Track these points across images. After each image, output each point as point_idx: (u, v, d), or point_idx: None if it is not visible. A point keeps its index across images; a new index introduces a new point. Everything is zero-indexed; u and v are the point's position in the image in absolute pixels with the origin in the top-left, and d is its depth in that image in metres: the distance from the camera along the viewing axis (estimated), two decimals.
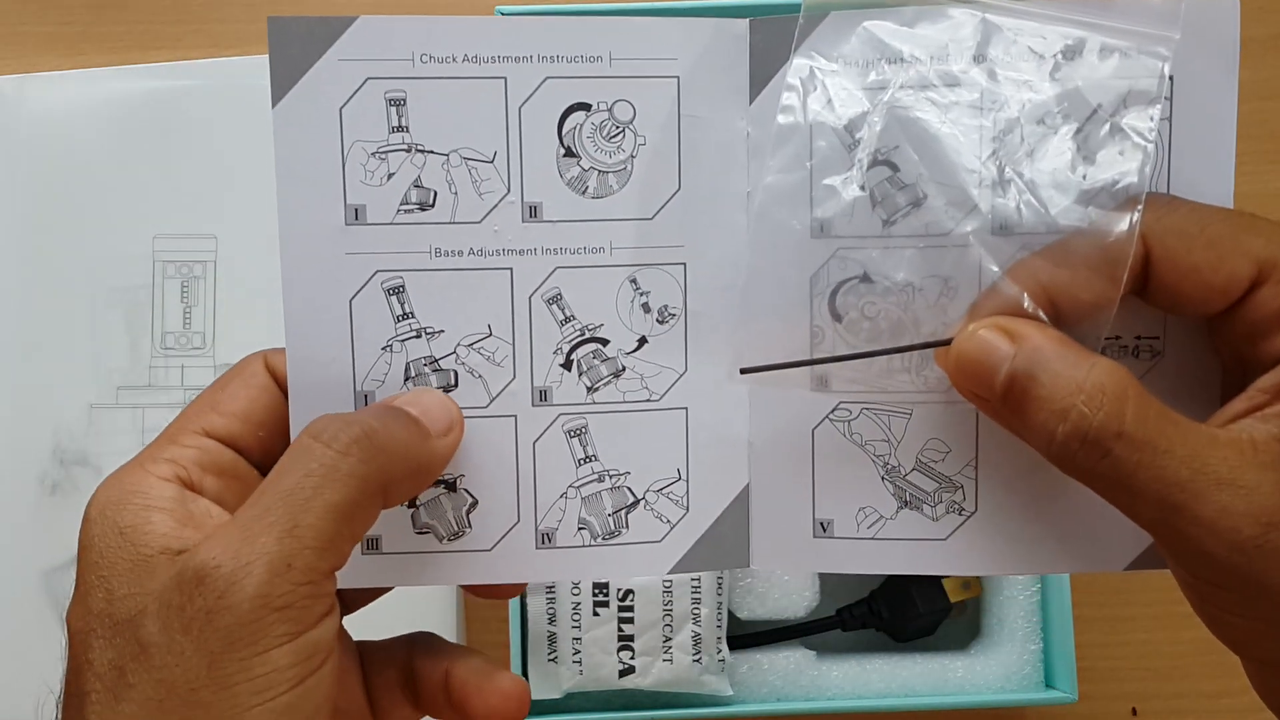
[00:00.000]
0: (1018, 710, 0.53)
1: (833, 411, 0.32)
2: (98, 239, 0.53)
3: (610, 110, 0.31)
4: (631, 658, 0.50)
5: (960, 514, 0.32)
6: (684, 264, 0.32)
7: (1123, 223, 0.28)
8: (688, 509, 0.33)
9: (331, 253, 0.31)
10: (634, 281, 0.32)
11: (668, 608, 0.50)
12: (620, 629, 0.50)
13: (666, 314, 0.32)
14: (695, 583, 0.50)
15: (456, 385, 0.32)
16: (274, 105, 0.30)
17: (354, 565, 0.30)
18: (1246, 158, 0.55)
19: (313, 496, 0.26)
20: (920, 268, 0.30)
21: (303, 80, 0.30)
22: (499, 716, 0.32)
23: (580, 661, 0.50)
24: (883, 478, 0.32)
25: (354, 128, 0.31)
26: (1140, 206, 0.28)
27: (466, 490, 0.32)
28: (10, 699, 0.51)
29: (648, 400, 0.32)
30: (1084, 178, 0.29)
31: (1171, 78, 0.30)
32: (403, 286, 0.31)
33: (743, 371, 0.31)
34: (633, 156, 0.32)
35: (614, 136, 0.31)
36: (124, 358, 0.53)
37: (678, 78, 0.31)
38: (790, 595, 0.51)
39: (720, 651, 0.50)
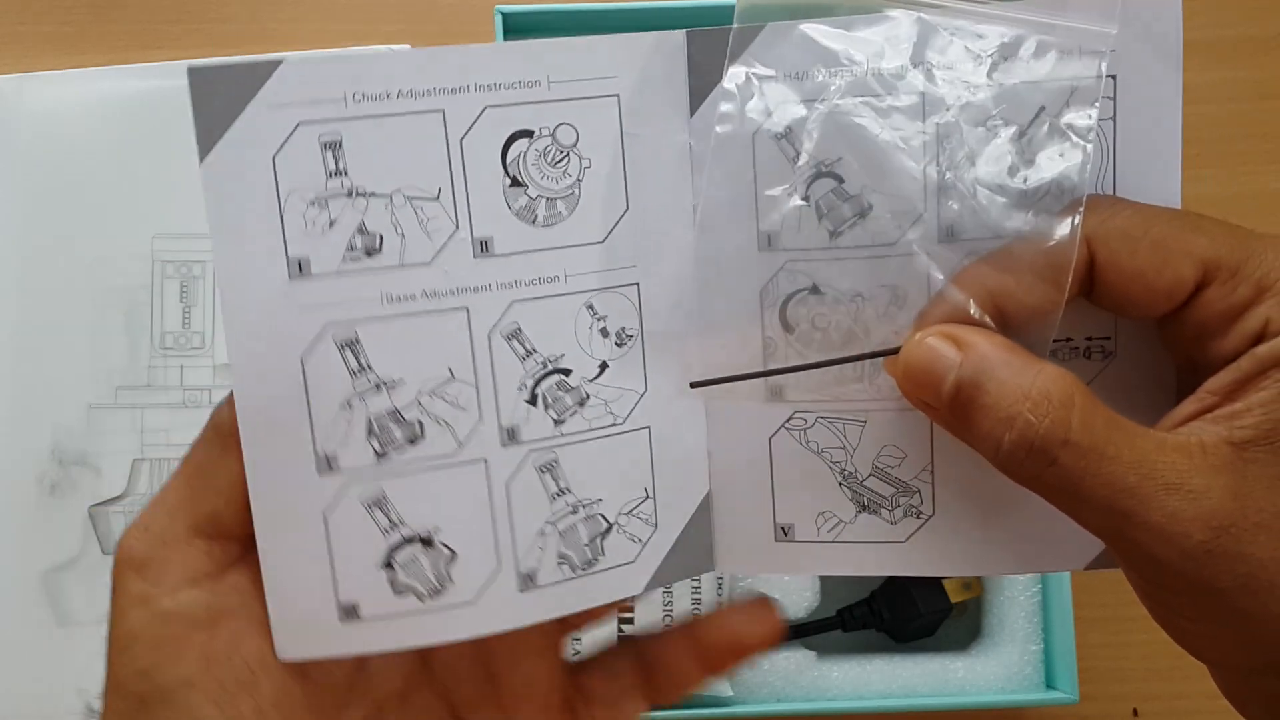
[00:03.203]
0: (1018, 711, 0.53)
1: (788, 421, 0.32)
2: (97, 239, 0.53)
3: (553, 135, 0.30)
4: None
5: (918, 517, 0.31)
6: (637, 284, 0.31)
7: (1064, 226, 0.28)
8: (656, 525, 0.32)
9: (277, 310, 0.29)
10: (591, 307, 0.31)
11: (668, 608, 0.50)
12: (620, 629, 0.50)
13: (624, 336, 0.32)
14: (695, 584, 0.50)
15: (423, 435, 0.30)
16: (201, 160, 0.28)
17: (332, 634, 0.29)
18: (1246, 158, 0.55)
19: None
20: (868, 278, 0.30)
21: (230, 131, 0.28)
22: (758, 631, 0.32)
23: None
24: (840, 484, 0.32)
25: (289, 176, 0.29)
26: (1081, 209, 0.28)
27: (444, 544, 0.30)
28: (10, 699, 0.51)
29: (613, 425, 0.32)
30: (1025, 181, 0.29)
31: (1114, 77, 0.30)
32: (356, 339, 0.29)
33: (692, 385, 0.31)
34: (579, 180, 0.31)
35: (559, 161, 0.31)
36: (123, 358, 0.53)
37: (617, 96, 0.31)
38: (790, 596, 0.51)
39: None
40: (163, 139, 0.54)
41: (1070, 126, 0.29)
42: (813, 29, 0.30)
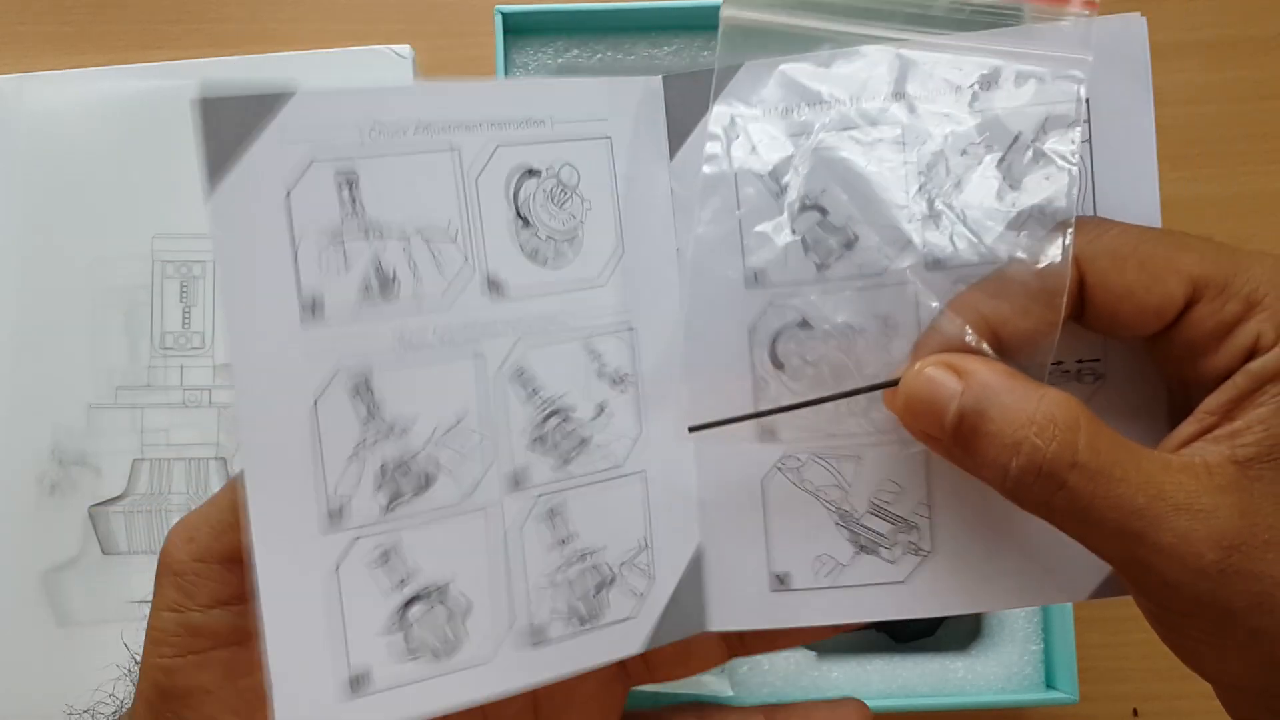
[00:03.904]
0: (1019, 711, 0.53)
1: (781, 461, 0.31)
2: (97, 239, 0.53)
3: (557, 175, 0.30)
4: None
5: (917, 554, 0.31)
6: (632, 326, 0.31)
7: (1055, 248, 0.28)
8: (653, 577, 0.32)
9: (289, 352, 0.27)
10: (590, 349, 0.31)
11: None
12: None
13: (621, 378, 0.31)
14: None
15: (433, 482, 0.29)
16: (208, 193, 0.26)
17: (342, 708, 0.28)
18: (1247, 158, 0.55)
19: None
20: (859, 309, 0.30)
21: (240, 163, 0.27)
22: None
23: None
24: (837, 524, 0.31)
25: (304, 213, 0.27)
26: (1071, 230, 0.28)
27: (462, 593, 0.29)
28: (10, 699, 0.51)
29: (612, 468, 0.31)
30: (1012, 205, 0.29)
31: (1088, 100, 0.30)
32: (368, 383, 0.28)
33: (691, 429, 0.31)
34: (581, 222, 0.30)
35: (564, 202, 0.30)
36: (123, 358, 0.53)
37: (610, 138, 0.31)
38: None
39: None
40: (163, 139, 0.53)
41: (1053, 151, 0.29)
42: (793, 68, 0.30)
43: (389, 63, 0.54)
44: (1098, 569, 0.30)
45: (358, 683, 0.28)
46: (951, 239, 0.29)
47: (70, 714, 0.50)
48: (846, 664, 0.52)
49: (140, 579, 0.52)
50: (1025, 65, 0.29)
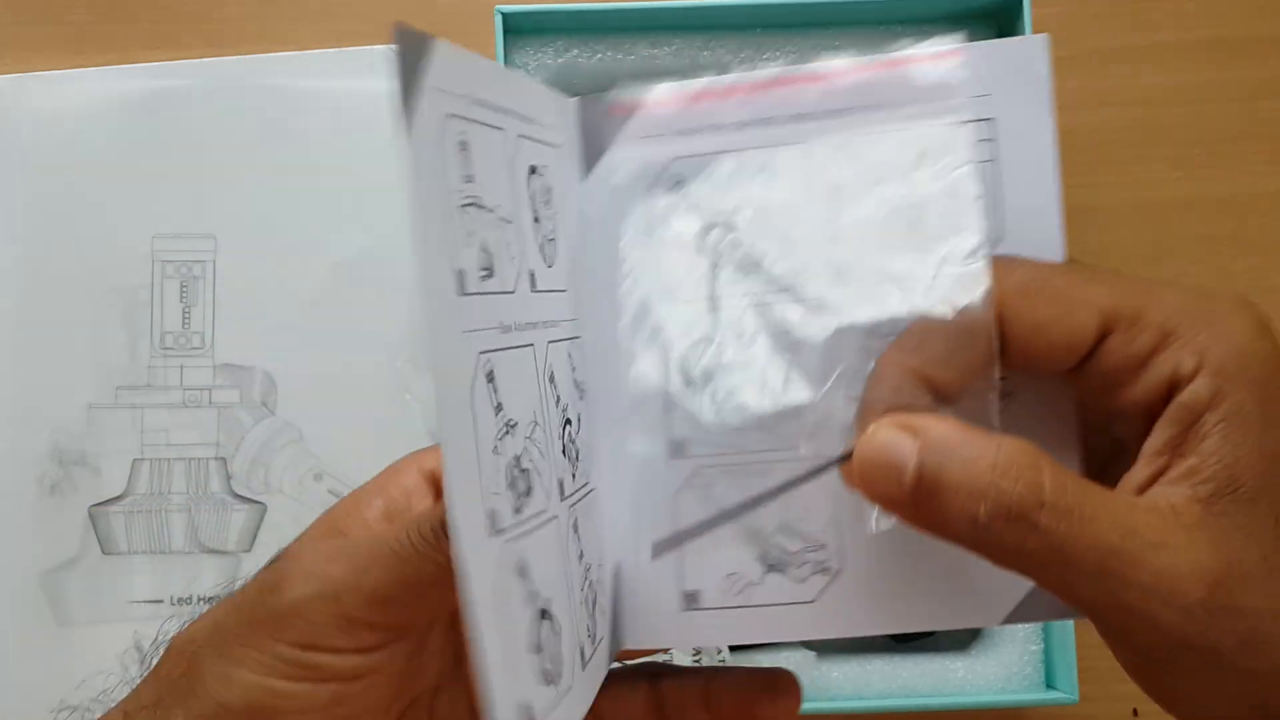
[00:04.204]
0: (1019, 711, 0.53)
1: (692, 478, 0.31)
2: (97, 239, 0.53)
3: (545, 176, 0.29)
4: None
5: (826, 573, 0.31)
6: (580, 336, 0.31)
7: (977, 289, 0.28)
8: (603, 595, 0.31)
9: (453, 333, 0.24)
10: (569, 355, 0.30)
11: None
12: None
13: (583, 388, 0.31)
14: None
15: (533, 487, 0.26)
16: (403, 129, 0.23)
17: None
18: (1247, 158, 0.55)
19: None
20: (770, 353, 0.30)
21: (418, 107, 0.23)
22: (771, 712, 0.32)
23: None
24: (746, 542, 0.31)
25: (442, 171, 0.24)
26: (987, 270, 0.28)
27: (557, 611, 0.26)
28: (10, 698, 0.51)
29: (586, 483, 0.30)
30: (925, 251, 0.29)
31: (992, 120, 0.30)
32: (492, 372, 0.25)
33: (653, 550, 0.31)
34: (556, 225, 0.30)
35: (549, 202, 0.30)
36: (123, 357, 0.53)
37: (561, 146, 0.30)
38: None
39: (720, 652, 0.50)
40: (163, 139, 0.53)
41: (957, 191, 0.29)
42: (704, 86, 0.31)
43: (389, 63, 0.54)
44: (1012, 592, 0.30)
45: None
46: (868, 296, 0.29)
47: (70, 714, 0.50)
48: (846, 664, 0.52)
49: (140, 579, 0.52)
50: (914, 111, 0.30)
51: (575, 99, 0.31)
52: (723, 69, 0.52)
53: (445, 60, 0.24)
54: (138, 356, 0.53)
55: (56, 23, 0.56)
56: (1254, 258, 0.55)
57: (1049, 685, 0.51)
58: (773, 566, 0.31)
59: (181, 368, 0.53)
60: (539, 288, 0.28)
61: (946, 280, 0.28)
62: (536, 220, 0.29)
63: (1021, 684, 0.51)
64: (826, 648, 0.53)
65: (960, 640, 0.53)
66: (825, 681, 0.52)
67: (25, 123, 0.54)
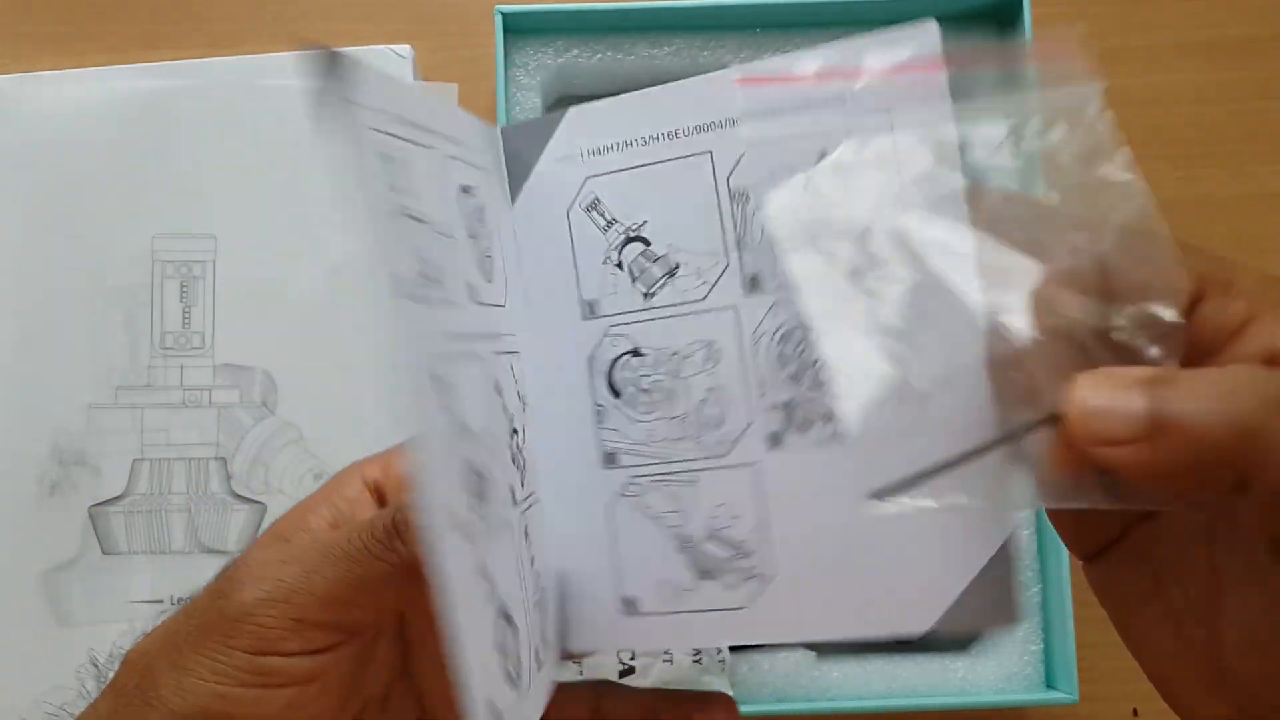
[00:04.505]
0: (1019, 711, 0.53)
1: (625, 486, 0.32)
2: (97, 239, 0.53)
3: (476, 195, 0.31)
4: (632, 658, 0.50)
5: (758, 580, 0.31)
6: (518, 351, 0.32)
7: (1135, 198, 0.27)
8: (546, 600, 0.32)
9: (409, 334, 0.26)
10: (511, 367, 0.31)
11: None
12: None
13: (524, 399, 0.32)
14: None
15: (487, 495, 0.28)
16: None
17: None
18: (1247, 158, 0.55)
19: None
20: (683, 335, 0.31)
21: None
22: None
23: (581, 661, 0.50)
24: (677, 550, 0.31)
25: (367, 179, 0.26)
26: (1141, 179, 0.27)
27: (513, 618, 0.29)
28: (10, 699, 0.51)
29: (533, 492, 0.32)
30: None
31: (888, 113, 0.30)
32: (446, 376, 0.27)
33: (875, 495, 0.29)
34: (491, 243, 0.31)
35: (483, 220, 0.31)
36: (123, 357, 0.53)
37: (489, 170, 0.32)
38: None
39: (720, 652, 0.50)
40: (163, 139, 0.53)
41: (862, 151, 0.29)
42: (612, 106, 0.32)
43: (389, 63, 0.54)
44: (939, 602, 0.30)
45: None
46: (760, 263, 0.30)
47: (70, 714, 0.50)
48: (846, 664, 0.52)
49: (140, 579, 0.52)
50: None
51: (500, 126, 0.33)
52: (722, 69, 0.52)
53: (362, 77, 0.26)
54: (138, 356, 0.53)
55: (56, 23, 0.56)
56: (1254, 258, 0.55)
57: (1049, 685, 0.51)
58: (706, 573, 0.31)
59: (181, 368, 0.53)
60: (482, 300, 0.30)
61: (1098, 194, 0.27)
62: (473, 237, 0.30)
63: (1021, 684, 0.51)
64: (826, 648, 0.53)
65: (960, 640, 0.53)
66: (825, 681, 0.52)
67: (25, 123, 0.54)
